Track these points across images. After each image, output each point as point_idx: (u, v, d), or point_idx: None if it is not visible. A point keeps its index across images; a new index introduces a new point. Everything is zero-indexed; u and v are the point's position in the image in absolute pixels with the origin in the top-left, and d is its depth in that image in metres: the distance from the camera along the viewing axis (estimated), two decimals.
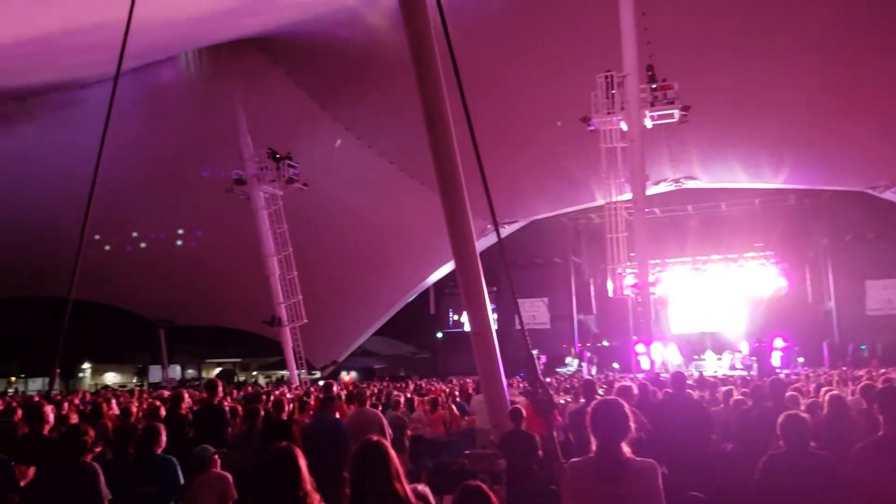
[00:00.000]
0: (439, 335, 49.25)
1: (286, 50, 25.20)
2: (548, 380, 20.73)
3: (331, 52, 24.57)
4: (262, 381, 50.15)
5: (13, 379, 58.05)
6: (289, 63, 26.17)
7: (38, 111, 24.28)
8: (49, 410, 6.53)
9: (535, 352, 7.59)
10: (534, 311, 39.86)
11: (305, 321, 26.48)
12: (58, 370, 7.59)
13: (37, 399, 11.96)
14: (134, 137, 23.05)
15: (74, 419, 7.83)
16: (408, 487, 3.37)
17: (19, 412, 8.75)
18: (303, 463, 3.36)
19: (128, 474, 5.74)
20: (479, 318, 8.30)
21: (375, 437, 3.59)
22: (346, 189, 29.75)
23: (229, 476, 6.06)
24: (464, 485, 4.05)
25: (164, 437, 5.99)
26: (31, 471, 5.46)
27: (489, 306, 8.37)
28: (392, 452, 3.44)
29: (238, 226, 27.08)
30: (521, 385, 17.84)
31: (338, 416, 8.95)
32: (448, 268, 35.30)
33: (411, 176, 29.18)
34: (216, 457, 6.16)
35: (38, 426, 6.21)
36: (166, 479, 5.71)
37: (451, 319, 49.14)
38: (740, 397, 8.74)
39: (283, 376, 41.39)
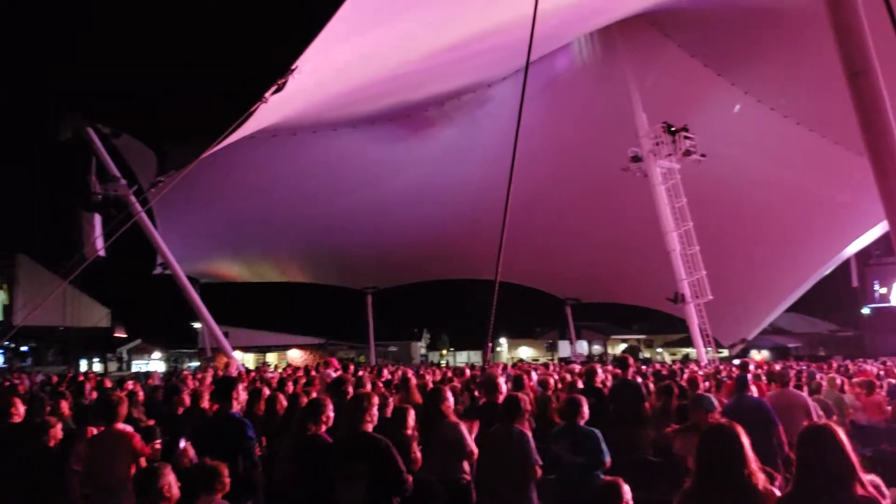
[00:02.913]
0: (866, 311, 44.15)
1: (677, 21, 24.72)
2: None
3: (723, 16, 23.50)
4: (667, 357, 50.01)
5: (444, 352, 66.04)
6: (681, 34, 25.62)
7: (454, 113, 27.15)
8: (502, 382, 7.21)
9: None
10: None
11: (710, 297, 25.68)
12: (490, 344, 8.49)
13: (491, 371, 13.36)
14: (536, 126, 24.54)
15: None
16: (761, 476, 3.18)
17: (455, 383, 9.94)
18: (746, 441, 3.28)
19: (555, 443, 6.17)
20: None
21: (725, 422, 3.45)
22: (747, 156, 28.14)
23: None
24: None
25: (585, 409, 6.32)
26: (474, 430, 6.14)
27: None
28: (745, 439, 3.26)
29: (638, 203, 27.23)
30: None
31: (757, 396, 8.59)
32: (871, 236, 31.42)
33: (823, 136, 26.51)
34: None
35: (494, 396, 6.95)
36: (591, 450, 6.01)
37: (876, 293, 43.75)
38: None
39: (688, 354, 40.82)
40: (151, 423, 7.22)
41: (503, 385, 7.17)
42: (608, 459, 6.01)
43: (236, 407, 6.48)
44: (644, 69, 26.59)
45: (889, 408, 10.05)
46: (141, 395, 9.01)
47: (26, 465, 6.29)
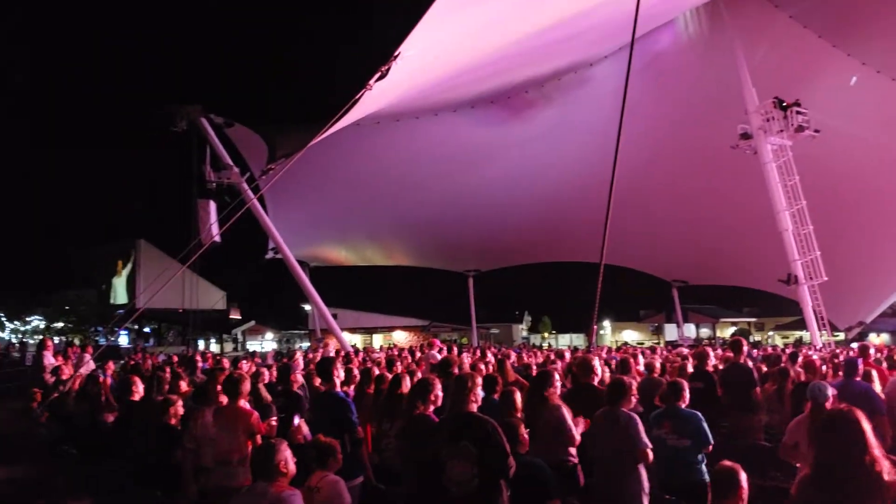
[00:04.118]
0: None
1: None
2: None
3: None
4: (778, 341, 48.20)
5: (546, 335, 65.85)
6: (793, 4, 24.56)
7: (555, 94, 26.90)
8: (597, 365, 7.24)
9: None
10: None
11: (825, 279, 24.61)
12: (595, 327, 8.48)
13: (586, 354, 13.33)
14: (641, 105, 24.04)
15: (607, 373, 8.56)
16: (885, 463, 3.04)
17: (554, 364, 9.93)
18: (867, 426, 3.19)
19: (656, 427, 6.13)
20: None
21: (846, 407, 3.32)
22: (865, 130, 26.64)
23: None
24: None
25: (687, 393, 6.27)
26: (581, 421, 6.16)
27: None
28: (866, 425, 3.13)
29: (748, 182, 26.32)
30: None
31: (874, 380, 8.22)
32: None
33: None
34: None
35: (589, 378, 6.98)
36: (696, 433, 5.95)
37: None
38: None
39: (800, 337, 39.20)
40: (269, 400, 7.56)
41: (598, 367, 7.15)
42: (712, 442, 5.94)
43: (338, 385, 6.76)
44: (753, 42, 25.63)
45: None
46: (266, 375, 9.41)
47: (149, 440, 6.72)
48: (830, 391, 6.22)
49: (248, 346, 49.96)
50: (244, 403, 6.22)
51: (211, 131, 22.96)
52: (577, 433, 5.89)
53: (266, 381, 8.86)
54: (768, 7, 24.88)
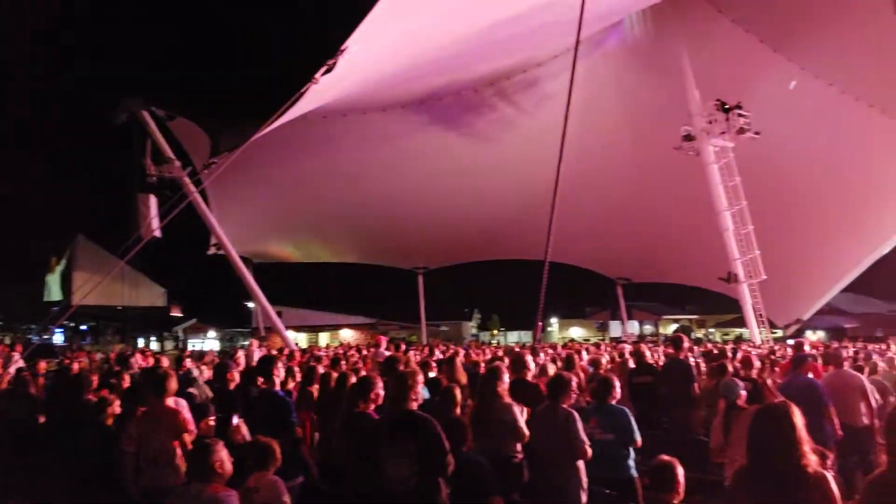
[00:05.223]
0: None
1: None
2: None
3: None
4: (718, 338, 49.32)
5: (495, 332, 66.17)
6: (736, 9, 25.14)
7: (505, 92, 27.00)
8: (531, 361, 7.30)
9: None
10: None
11: (764, 277, 25.27)
12: (540, 324, 8.51)
13: (519, 350, 13.40)
14: (587, 105, 24.24)
15: (551, 369, 8.62)
16: (813, 458, 3.13)
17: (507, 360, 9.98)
18: (799, 421, 3.24)
19: (585, 422, 6.19)
20: None
21: (780, 401, 3.40)
22: (804, 132, 27.42)
23: None
24: None
25: (617, 389, 6.34)
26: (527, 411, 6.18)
27: None
28: (798, 419, 3.21)
29: (691, 182, 26.82)
30: None
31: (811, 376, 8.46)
32: None
33: (883, 111, 25.70)
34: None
35: (522, 373, 7.01)
36: (621, 428, 6.04)
37: None
38: None
39: (741, 334, 40.16)
40: (207, 398, 7.40)
41: (531, 363, 7.24)
42: (639, 438, 6.01)
43: (278, 384, 6.65)
44: (697, 46, 26.09)
45: None
46: (207, 373, 9.21)
47: (86, 442, 6.50)
48: (741, 389, 6.41)
49: (189, 345, 49.00)
50: (171, 402, 6.06)
51: (152, 124, 22.46)
52: (527, 432, 5.90)
53: (204, 380, 8.67)
54: (712, 11, 25.34)
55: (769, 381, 8.32)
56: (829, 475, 3.17)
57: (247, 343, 42.00)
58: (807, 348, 9.99)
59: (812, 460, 3.16)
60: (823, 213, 29.17)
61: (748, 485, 3.25)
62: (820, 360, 9.49)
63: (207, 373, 9.15)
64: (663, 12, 25.23)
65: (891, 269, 37.63)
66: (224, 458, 4.26)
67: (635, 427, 6.04)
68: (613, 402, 6.26)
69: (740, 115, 25.30)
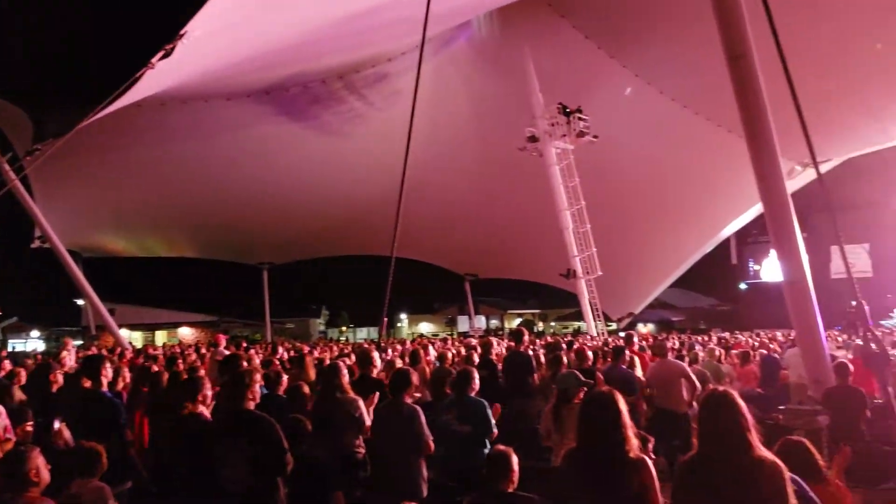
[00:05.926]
0: (743, 286, 46.73)
1: (573, 1, 25.12)
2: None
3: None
4: (559, 331, 51.44)
5: (344, 329, 65.70)
6: (576, 15, 26.01)
7: (353, 86, 26.71)
8: (376, 356, 7.27)
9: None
10: (852, 258, 35.84)
11: (600, 273, 26.57)
12: (385, 319, 8.50)
13: (366, 346, 13.35)
14: (434, 103, 24.47)
15: (399, 364, 8.64)
16: (634, 443, 3.35)
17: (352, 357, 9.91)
18: (623, 407, 3.42)
19: (444, 414, 6.26)
20: (793, 266, 7.74)
21: (605, 390, 3.63)
22: (637, 137, 29.05)
23: None
24: (785, 439, 3.91)
25: (476, 382, 6.44)
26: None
27: (804, 253, 7.75)
28: (622, 406, 3.42)
29: (534, 182, 27.70)
30: (837, 339, 16.42)
31: (637, 366, 9.03)
32: (749, 216, 33.24)
33: (708, 118, 27.68)
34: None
35: (368, 369, 6.97)
36: (479, 419, 6.13)
37: (751, 270, 46.46)
38: None
39: (579, 327, 42.10)
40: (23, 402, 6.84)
41: (377, 359, 7.23)
42: (495, 429, 6.13)
43: (105, 385, 6.25)
44: (541, 49, 26.90)
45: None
46: (23, 376, 8.50)
47: None
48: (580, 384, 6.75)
49: (9, 346, 45.17)
50: None
51: None
52: (369, 424, 5.86)
53: (22, 383, 8.01)
54: (555, 16, 26.07)
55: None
56: (649, 460, 3.38)
57: (77, 343, 39.35)
58: (636, 340, 10.61)
59: (634, 445, 3.36)
60: (654, 215, 31.06)
61: (577, 465, 3.42)
62: (649, 351, 10.09)
63: (23, 375, 8.44)
64: (509, 15, 25.77)
65: (713, 266, 40.80)
66: (40, 465, 3.93)
67: (491, 418, 6.13)
68: (472, 395, 6.33)
69: (580, 118, 26.37)
